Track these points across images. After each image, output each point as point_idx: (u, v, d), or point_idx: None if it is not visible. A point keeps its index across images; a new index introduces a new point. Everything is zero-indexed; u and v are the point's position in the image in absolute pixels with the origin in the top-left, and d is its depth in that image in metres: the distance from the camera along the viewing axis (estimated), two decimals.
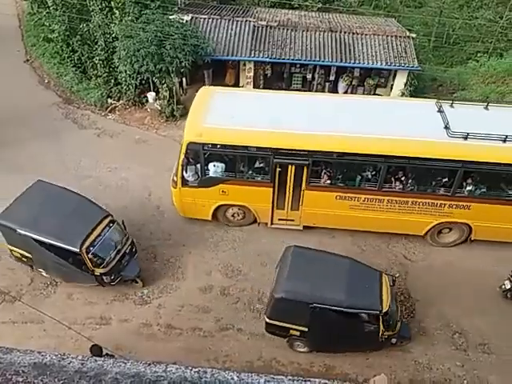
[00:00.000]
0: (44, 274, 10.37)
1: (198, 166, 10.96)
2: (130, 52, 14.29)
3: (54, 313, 9.11)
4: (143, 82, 15.72)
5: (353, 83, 17.25)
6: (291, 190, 11.20)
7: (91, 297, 10.15)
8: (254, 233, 11.87)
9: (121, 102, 16.59)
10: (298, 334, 8.93)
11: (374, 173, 10.83)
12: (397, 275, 10.32)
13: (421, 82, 17.42)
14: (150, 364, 3.80)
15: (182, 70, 14.97)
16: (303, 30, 16.63)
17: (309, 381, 3.35)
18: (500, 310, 10.16)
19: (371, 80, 17.16)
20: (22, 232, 9.32)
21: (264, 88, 16.49)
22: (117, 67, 15.61)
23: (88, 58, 16.89)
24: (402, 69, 16.16)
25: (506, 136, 9.92)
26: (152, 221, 12.07)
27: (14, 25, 22.59)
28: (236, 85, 16.97)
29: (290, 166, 10.70)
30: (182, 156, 10.69)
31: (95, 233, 9.45)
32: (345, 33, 16.60)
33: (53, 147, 14.27)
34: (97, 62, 16.50)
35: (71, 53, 17.19)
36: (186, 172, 11.01)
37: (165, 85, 15.23)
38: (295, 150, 10.30)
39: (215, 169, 10.88)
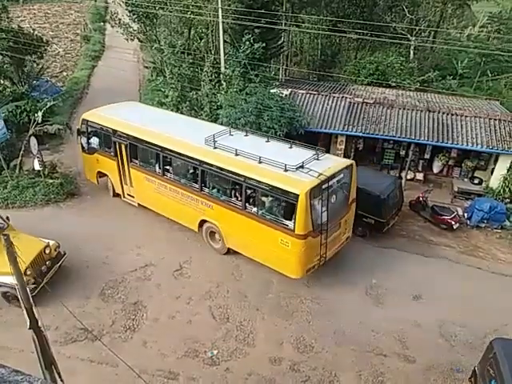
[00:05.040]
0: None
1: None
2: (231, 120, 15.47)
3: (128, 358, 9.28)
4: None
5: (449, 163, 16.67)
6: (127, 166, 14.32)
7: (164, 348, 10.31)
8: (331, 307, 11.42)
9: None
10: None
11: (159, 161, 13.21)
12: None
13: None
14: None
15: None
16: (399, 108, 16.74)
17: None
18: None
19: (470, 162, 16.47)
20: None
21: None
22: None
23: None
24: (505, 153, 15.32)
25: (236, 150, 11.59)
26: (230, 279, 12.30)
27: (135, 89, 25.98)
28: None
29: (122, 145, 14.09)
30: (77, 127, 15.64)
31: None
32: (443, 113, 16.38)
33: None
34: None
35: None
36: (83, 141, 15.45)
37: None
38: (121, 132, 14.02)
39: (92, 140, 15.20)
